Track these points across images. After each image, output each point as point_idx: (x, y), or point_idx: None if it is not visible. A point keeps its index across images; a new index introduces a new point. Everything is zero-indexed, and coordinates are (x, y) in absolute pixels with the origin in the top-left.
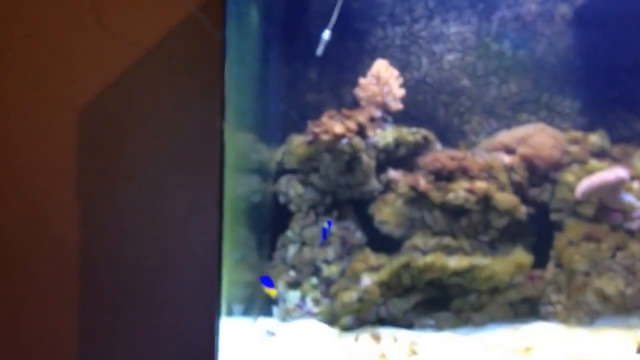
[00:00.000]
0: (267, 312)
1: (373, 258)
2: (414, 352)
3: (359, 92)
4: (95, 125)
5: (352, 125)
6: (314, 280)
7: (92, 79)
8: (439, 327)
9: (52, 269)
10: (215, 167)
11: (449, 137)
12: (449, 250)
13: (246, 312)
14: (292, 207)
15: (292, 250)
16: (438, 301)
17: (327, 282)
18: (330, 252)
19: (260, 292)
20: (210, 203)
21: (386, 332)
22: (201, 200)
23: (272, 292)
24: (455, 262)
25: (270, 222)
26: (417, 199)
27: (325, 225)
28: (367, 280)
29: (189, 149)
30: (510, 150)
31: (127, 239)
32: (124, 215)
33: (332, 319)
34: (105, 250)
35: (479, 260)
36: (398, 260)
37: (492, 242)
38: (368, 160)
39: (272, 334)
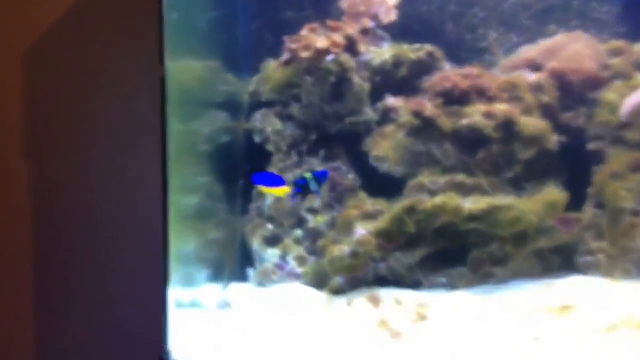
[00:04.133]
0: (242, 276)
1: (369, 203)
2: (422, 317)
3: (345, 1)
4: (33, 74)
5: (338, 39)
6: (297, 234)
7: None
8: (452, 285)
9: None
10: (154, 104)
11: (460, 56)
12: (464, 190)
13: (215, 277)
14: (270, 147)
15: (270, 199)
16: (451, 254)
17: (314, 236)
18: (317, 199)
19: (232, 253)
20: (151, 148)
21: (387, 294)
22: (142, 144)
23: (280, 192)
24: (471, 204)
25: (244, 167)
26: (423, 128)
27: (308, 175)
28: (362, 230)
29: (128, 85)
30: (536, 67)
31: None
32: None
33: (320, 281)
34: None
35: (502, 200)
36: (400, 204)
37: (515, 179)
38: (360, 82)
39: (226, 305)
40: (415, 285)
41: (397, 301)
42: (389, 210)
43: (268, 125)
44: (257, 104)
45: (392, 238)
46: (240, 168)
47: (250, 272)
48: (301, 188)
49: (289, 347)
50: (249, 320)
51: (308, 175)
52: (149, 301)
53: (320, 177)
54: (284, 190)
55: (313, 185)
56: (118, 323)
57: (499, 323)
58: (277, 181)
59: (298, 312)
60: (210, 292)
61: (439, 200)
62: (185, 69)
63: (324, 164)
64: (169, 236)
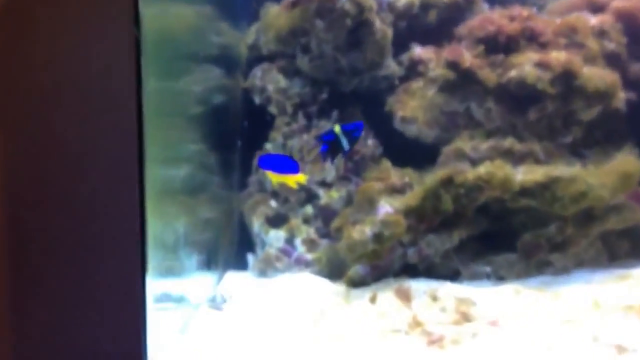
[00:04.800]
0: (240, 264)
1: (395, 174)
2: (466, 318)
3: None
4: None
5: None
6: (306, 212)
7: None
8: (498, 276)
9: None
10: (129, 58)
11: None
12: (512, 158)
13: (207, 265)
14: (273, 109)
15: None
16: (497, 237)
17: (327, 215)
18: (330, 170)
19: (228, 236)
20: (125, 113)
21: (418, 287)
22: (115, 105)
23: (294, 181)
24: (524, 175)
25: (242, 133)
26: (460, 83)
27: (337, 129)
28: (387, 207)
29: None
30: (597, 7)
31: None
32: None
33: (335, 270)
34: None
35: (562, 170)
36: (434, 175)
37: (575, 145)
38: (382, 28)
39: (219, 301)
40: (453, 275)
41: (432, 296)
42: (419, 182)
43: (270, 82)
44: (257, 58)
45: (425, 217)
46: (238, 134)
47: (250, 258)
48: (329, 145)
49: (296, 356)
50: (246, 320)
51: (337, 128)
52: (122, 298)
53: (352, 131)
54: (298, 179)
55: (344, 141)
56: (82, 326)
57: (561, 325)
58: (290, 166)
59: (308, 310)
60: (200, 283)
61: (483, 170)
62: (171, 15)
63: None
64: (146, 216)
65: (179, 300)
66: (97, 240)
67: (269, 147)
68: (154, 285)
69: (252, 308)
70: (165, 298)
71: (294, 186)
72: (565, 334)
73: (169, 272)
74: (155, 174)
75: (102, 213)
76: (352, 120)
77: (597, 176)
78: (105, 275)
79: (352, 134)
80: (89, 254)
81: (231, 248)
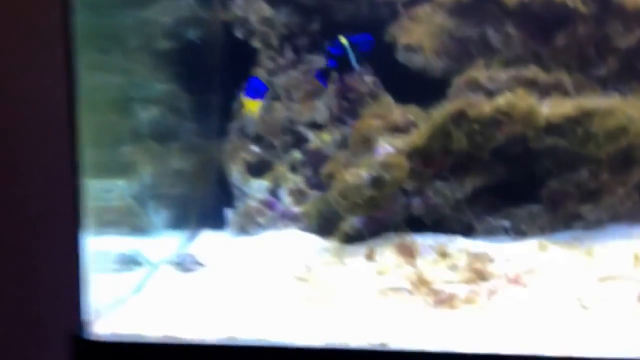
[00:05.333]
0: (219, 222)
1: (397, 111)
2: (481, 276)
3: None
4: None
5: None
6: (294, 157)
7: None
8: (518, 231)
9: None
10: None
11: None
12: (537, 91)
13: (179, 223)
14: (256, 43)
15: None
16: (517, 185)
17: (317, 161)
18: (321, 108)
19: (203, 190)
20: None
21: (424, 243)
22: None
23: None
24: (551, 107)
25: (221, 72)
26: (474, 3)
27: (344, 41)
28: (387, 147)
29: None
30: None
31: None
32: None
33: (326, 225)
34: None
35: (597, 101)
36: (443, 109)
37: (610, 77)
38: None
39: (189, 265)
40: (465, 230)
41: (440, 252)
42: (425, 120)
43: (252, 12)
44: None
45: (432, 160)
46: (217, 74)
47: (229, 214)
48: (336, 61)
49: (278, 322)
50: (217, 282)
51: (344, 40)
52: (58, 254)
53: (362, 43)
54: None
55: (353, 58)
56: (15, 286)
57: (597, 283)
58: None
59: (291, 269)
60: (169, 243)
61: (502, 101)
62: None
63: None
64: (79, 164)
65: (139, 260)
66: (29, 197)
67: None
68: (103, 243)
69: (227, 269)
70: (123, 259)
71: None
72: (603, 292)
73: (131, 229)
74: (108, 117)
75: (34, 161)
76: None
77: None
78: (37, 232)
79: (362, 47)
80: (20, 210)
81: (207, 203)
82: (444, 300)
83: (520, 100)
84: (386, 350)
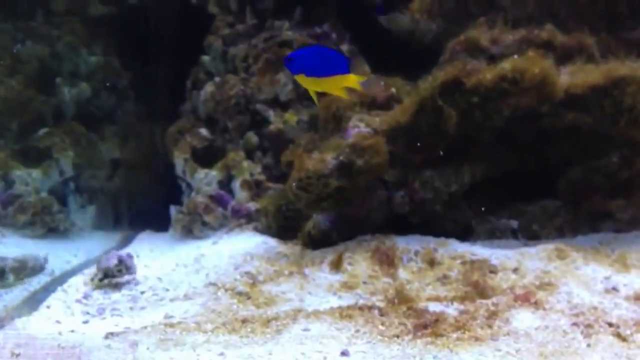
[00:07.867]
0: (162, 220)
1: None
2: (481, 291)
3: None
4: None
5: None
6: (250, 141)
7: None
8: (528, 233)
9: None
10: None
11: None
12: (554, 55)
13: (108, 223)
14: (212, 8)
15: (209, 88)
16: (528, 176)
17: (277, 144)
18: (285, 82)
19: (145, 183)
20: None
21: (409, 247)
22: None
23: (336, 85)
24: (571, 75)
25: (173, 44)
26: None
27: None
28: (360, 126)
29: None
30: None
31: None
32: None
33: (287, 224)
34: None
35: (630, 68)
36: (433, 78)
37: None
38: None
39: (114, 277)
40: (461, 232)
41: (428, 259)
42: (410, 93)
43: None
44: None
45: (420, 143)
46: (168, 46)
47: (173, 211)
48: None
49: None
50: (142, 299)
51: None
52: None
53: None
54: (348, 82)
55: None
56: None
57: (636, 311)
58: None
59: (237, 284)
60: (95, 245)
61: (508, 65)
62: None
63: (301, 29)
64: None
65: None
66: None
67: (206, 60)
68: None
69: (155, 284)
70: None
71: (344, 95)
72: None
73: (46, 230)
74: (22, 93)
75: None
76: (321, 18)
77: None
78: None
79: None
80: None
81: (150, 199)
82: (427, 325)
83: (532, 64)
84: None
